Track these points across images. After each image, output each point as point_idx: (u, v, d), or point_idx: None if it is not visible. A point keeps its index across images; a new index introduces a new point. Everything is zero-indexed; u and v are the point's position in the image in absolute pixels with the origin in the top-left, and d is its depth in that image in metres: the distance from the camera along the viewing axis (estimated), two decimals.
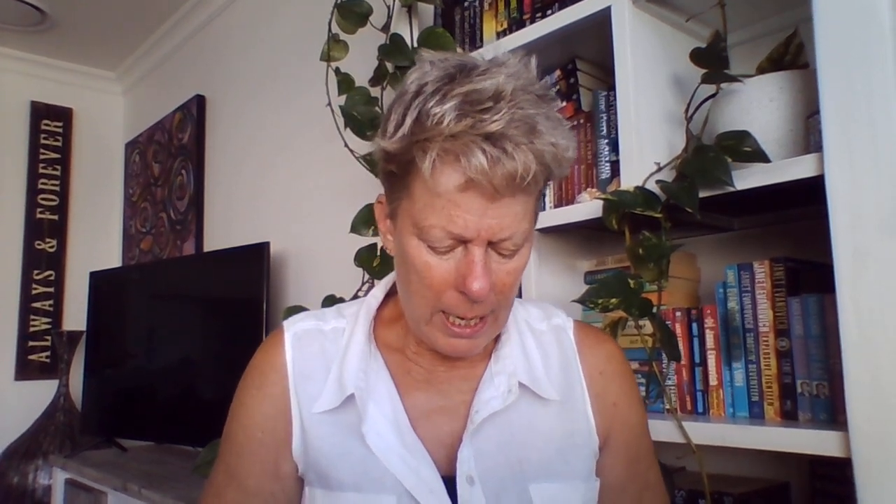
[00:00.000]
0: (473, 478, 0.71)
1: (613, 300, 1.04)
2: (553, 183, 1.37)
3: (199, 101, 3.01)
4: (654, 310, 1.05)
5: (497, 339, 0.79)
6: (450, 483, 0.71)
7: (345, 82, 1.65)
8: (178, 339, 2.56)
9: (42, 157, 3.49)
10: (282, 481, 0.77)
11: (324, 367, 0.77)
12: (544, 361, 0.80)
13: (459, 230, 0.64)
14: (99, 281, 3.01)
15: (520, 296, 1.32)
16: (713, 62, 1.05)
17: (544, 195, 1.39)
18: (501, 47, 1.38)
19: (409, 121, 0.63)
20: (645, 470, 0.84)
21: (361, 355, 0.76)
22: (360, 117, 1.57)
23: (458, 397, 0.77)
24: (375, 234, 1.53)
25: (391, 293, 0.84)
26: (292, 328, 0.80)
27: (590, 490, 0.78)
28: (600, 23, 1.20)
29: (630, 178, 1.12)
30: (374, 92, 1.63)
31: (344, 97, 1.63)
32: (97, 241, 3.64)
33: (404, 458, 0.72)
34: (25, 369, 3.34)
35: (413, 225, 0.67)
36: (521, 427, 0.76)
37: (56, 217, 3.51)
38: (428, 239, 0.66)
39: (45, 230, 3.47)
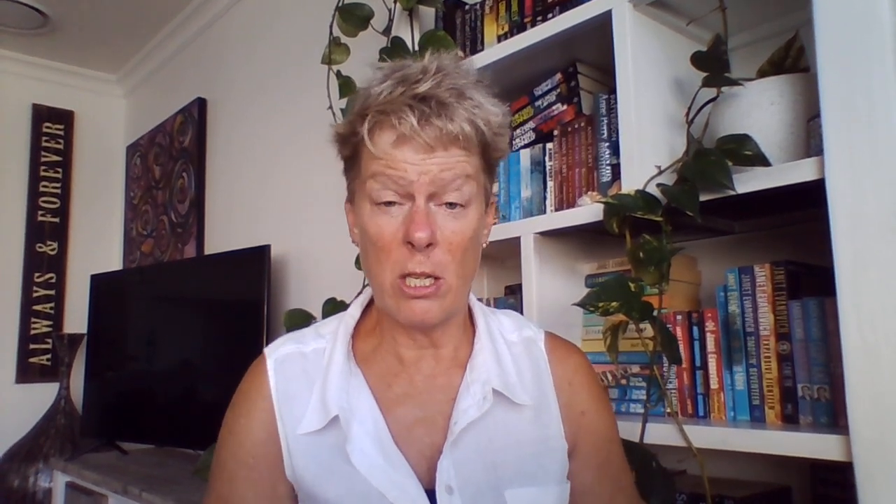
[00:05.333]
0: (452, 487, 0.74)
1: (614, 303, 1.05)
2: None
3: (201, 103, 3.01)
4: (655, 313, 1.06)
5: (471, 349, 0.82)
6: (432, 494, 0.74)
7: (346, 85, 1.65)
8: (179, 343, 2.56)
9: (43, 159, 3.50)
10: (279, 502, 0.78)
11: (307, 388, 0.79)
12: (517, 369, 0.82)
13: (400, 179, 0.70)
14: (100, 284, 3.01)
15: (521, 300, 1.33)
16: (714, 66, 1.05)
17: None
18: (502, 50, 1.38)
19: (357, 107, 0.74)
20: (616, 474, 0.86)
21: (342, 375, 0.78)
22: None
23: (436, 408, 0.79)
24: None
25: (367, 306, 0.86)
26: (273, 354, 0.82)
27: (563, 493, 0.81)
28: (601, 26, 1.20)
29: (631, 182, 1.12)
30: None
31: (345, 100, 1.63)
32: (98, 243, 3.64)
33: (388, 473, 0.74)
34: (26, 372, 3.34)
35: (365, 194, 0.73)
36: (497, 433, 0.78)
37: (57, 220, 3.51)
38: (376, 197, 0.72)
39: (46, 233, 3.47)
